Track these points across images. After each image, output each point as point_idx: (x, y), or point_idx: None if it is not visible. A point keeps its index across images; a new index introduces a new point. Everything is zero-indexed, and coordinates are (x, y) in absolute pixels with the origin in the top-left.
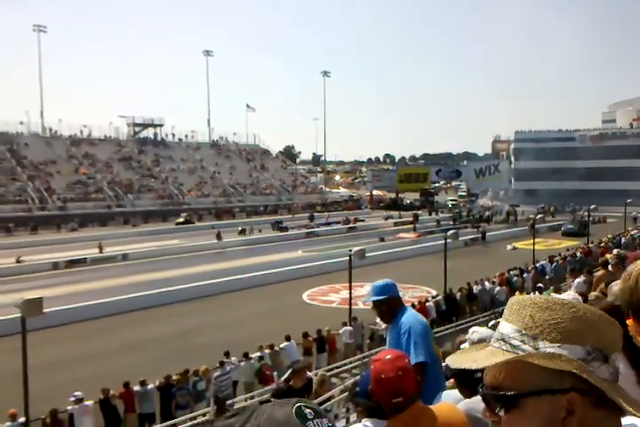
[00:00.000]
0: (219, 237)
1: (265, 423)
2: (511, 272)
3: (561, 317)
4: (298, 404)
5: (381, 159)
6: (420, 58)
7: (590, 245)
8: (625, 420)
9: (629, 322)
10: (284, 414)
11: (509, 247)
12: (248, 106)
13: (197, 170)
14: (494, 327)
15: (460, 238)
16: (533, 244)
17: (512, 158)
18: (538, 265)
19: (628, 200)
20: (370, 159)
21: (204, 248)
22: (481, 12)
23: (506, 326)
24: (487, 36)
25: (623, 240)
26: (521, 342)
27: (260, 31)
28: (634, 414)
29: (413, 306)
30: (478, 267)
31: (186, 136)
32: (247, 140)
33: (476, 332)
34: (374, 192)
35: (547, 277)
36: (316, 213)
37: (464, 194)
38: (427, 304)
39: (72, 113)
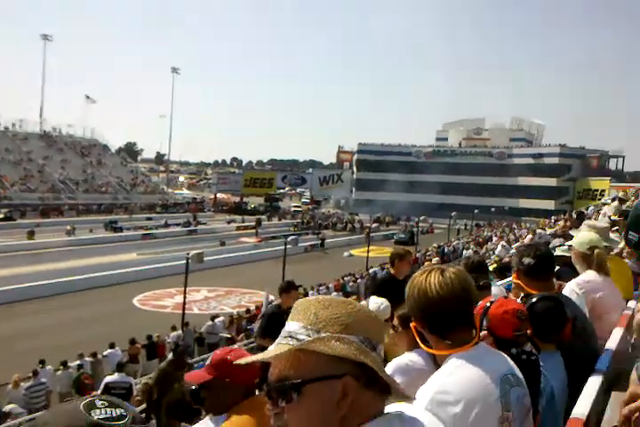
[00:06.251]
0: (31, 235)
1: (51, 412)
2: (346, 278)
3: (340, 312)
4: (93, 398)
5: (228, 162)
6: (269, 65)
7: (417, 254)
8: (393, 407)
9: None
10: (73, 405)
11: (346, 254)
12: (88, 97)
13: (23, 162)
14: None
15: (301, 244)
16: (368, 251)
17: (354, 169)
18: (371, 271)
19: (453, 213)
20: (216, 162)
21: (17, 248)
22: (322, 26)
23: (292, 324)
24: (337, 49)
25: (446, 249)
26: (306, 335)
27: (103, 20)
28: (398, 399)
29: (248, 311)
30: (316, 272)
31: (13, 125)
32: (84, 133)
33: None
34: (219, 195)
35: None
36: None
37: (307, 201)
38: (263, 309)
39: None
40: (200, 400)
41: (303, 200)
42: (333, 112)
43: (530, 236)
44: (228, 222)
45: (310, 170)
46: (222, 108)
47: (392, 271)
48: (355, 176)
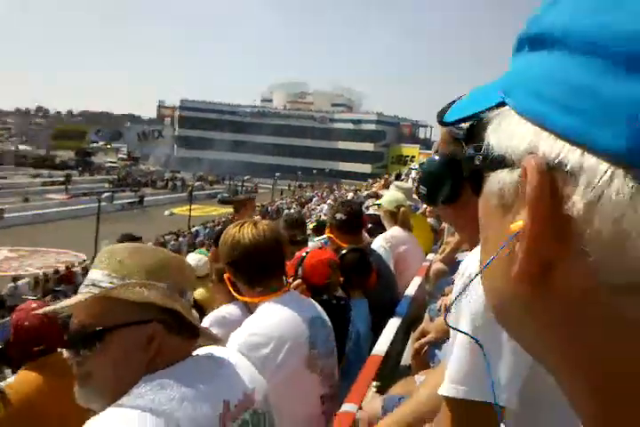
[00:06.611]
0: None
1: None
2: (167, 237)
3: (148, 259)
4: None
5: (33, 111)
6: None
7: None
8: (204, 350)
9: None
10: None
11: (167, 213)
12: None
13: None
14: None
15: (117, 202)
16: (190, 210)
17: (176, 125)
18: (193, 230)
19: (277, 174)
20: (18, 109)
21: None
22: None
23: (95, 273)
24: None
25: (269, 209)
26: (109, 283)
27: None
28: (209, 342)
29: (57, 272)
30: (135, 231)
31: None
32: None
33: None
34: (21, 147)
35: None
36: None
37: (125, 157)
38: (74, 269)
39: None
40: (4, 360)
41: (120, 156)
42: (155, 65)
43: (351, 194)
44: (33, 177)
45: (128, 124)
46: (23, 47)
47: None
48: (177, 133)
